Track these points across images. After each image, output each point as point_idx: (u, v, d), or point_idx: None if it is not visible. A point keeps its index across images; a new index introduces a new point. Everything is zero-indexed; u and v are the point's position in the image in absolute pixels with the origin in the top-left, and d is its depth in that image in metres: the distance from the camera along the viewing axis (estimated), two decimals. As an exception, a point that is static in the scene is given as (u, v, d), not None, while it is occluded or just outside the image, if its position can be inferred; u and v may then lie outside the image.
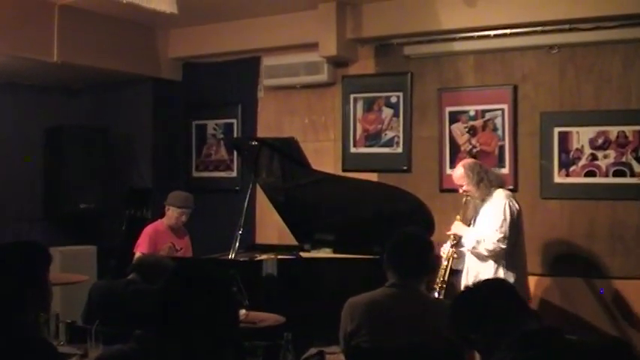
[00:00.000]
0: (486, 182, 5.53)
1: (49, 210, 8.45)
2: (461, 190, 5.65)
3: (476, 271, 5.47)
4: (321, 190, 6.54)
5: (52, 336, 4.09)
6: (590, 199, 6.46)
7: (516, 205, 5.46)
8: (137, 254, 6.67)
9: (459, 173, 5.66)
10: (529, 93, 6.73)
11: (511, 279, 5.15)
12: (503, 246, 5.33)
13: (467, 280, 5.52)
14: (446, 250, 5.64)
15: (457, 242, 5.62)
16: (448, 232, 5.68)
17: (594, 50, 6.46)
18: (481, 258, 5.47)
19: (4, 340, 2.92)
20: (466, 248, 5.56)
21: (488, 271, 5.37)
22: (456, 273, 5.65)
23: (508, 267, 5.37)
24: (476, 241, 5.43)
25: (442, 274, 5.54)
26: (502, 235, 5.33)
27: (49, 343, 3.22)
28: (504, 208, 5.39)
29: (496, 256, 5.38)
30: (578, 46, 6.51)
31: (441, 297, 5.38)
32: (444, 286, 5.51)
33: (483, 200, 5.52)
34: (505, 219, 5.36)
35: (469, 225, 5.59)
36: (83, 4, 7.21)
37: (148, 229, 6.94)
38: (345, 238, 6.60)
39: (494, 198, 5.49)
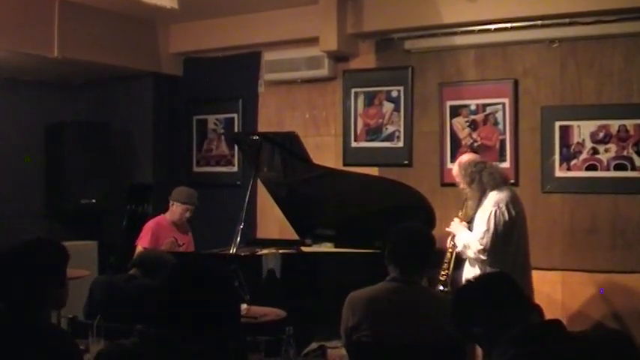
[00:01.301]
0: (478, 184, 5.38)
1: (50, 206, 8.45)
2: (460, 187, 5.61)
3: (469, 269, 5.41)
4: (322, 184, 6.55)
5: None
6: (591, 193, 6.45)
7: (506, 214, 5.25)
8: (139, 248, 6.68)
9: (454, 170, 5.59)
10: (530, 87, 6.72)
11: None
12: (484, 257, 5.24)
13: (464, 276, 5.46)
14: (449, 244, 5.60)
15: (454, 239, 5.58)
16: (447, 229, 5.64)
17: (595, 44, 6.45)
18: (469, 260, 5.43)
19: (28, 335, 2.97)
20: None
21: (476, 272, 5.24)
22: (462, 263, 5.58)
23: (496, 268, 5.12)
24: (463, 245, 5.39)
25: (447, 266, 5.50)
26: (482, 247, 5.23)
27: (70, 336, 3.27)
28: (489, 218, 5.24)
29: (480, 263, 5.32)
30: (578, 40, 6.50)
31: (447, 289, 5.36)
32: (448, 279, 5.48)
33: (479, 201, 5.41)
34: (488, 230, 5.23)
35: (469, 222, 5.54)
36: None
37: (151, 224, 6.95)
38: (346, 232, 6.61)
39: (486, 203, 5.34)
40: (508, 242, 5.31)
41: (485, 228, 5.25)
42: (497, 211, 5.26)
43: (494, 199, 5.32)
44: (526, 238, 5.52)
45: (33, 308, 3.09)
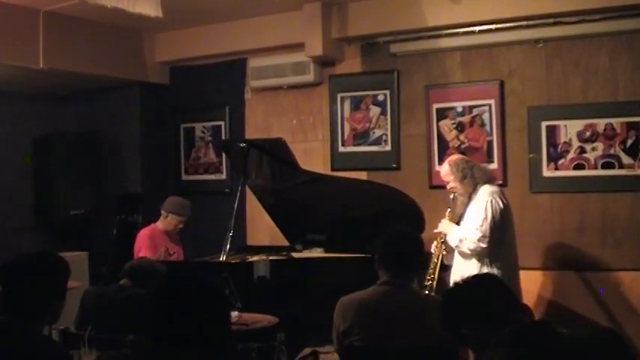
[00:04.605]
0: (470, 179, 5.48)
1: (39, 217, 8.43)
2: (448, 187, 5.65)
3: (461, 268, 5.43)
4: (311, 190, 6.55)
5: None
6: (580, 192, 6.47)
7: (500, 203, 5.36)
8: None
9: (445, 170, 5.65)
10: (516, 88, 6.74)
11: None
12: (484, 245, 5.29)
13: (454, 277, 5.48)
14: (434, 248, 5.62)
15: (444, 240, 5.60)
16: (435, 230, 5.66)
17: (580, 44, 6.48)
18: (465, 256, 5.45)
19: (24, 348, 2.98)
20: (452, 246, 5.55)
21: (472, 268, 5.28)
22: (446, 268, 5.64)
23: (492, 264, 5.32)
24: (459, 239, 5.41)
25: (432, 271, 5.53)
26: (482, 234, 5.29)
27: (63, 348, 3.27)
28: (486, 207, 5.33)
29: (479, 255, 5.35)
30: (563, 39, 6.52)
31: (433, 293, 5.37)
32: (434, 283, 5.50)
33: (469, 197, 5.49)
34: (486, 217, 5.30)
35: (458, 222, 5.57)
36: (68, 10, 7.18)
37: (146, 232, 6.90)
38: (336, 237, 6.61)
39: (479, 195, 5.43)
40: (503, 235, 5.39)
41: (483, 216, 5.32)
42: (493, 201, 5.36)
43: (487, 190, 5.44)
44: (515, 238, 5.56)
45: (33, 321, 3.09)
